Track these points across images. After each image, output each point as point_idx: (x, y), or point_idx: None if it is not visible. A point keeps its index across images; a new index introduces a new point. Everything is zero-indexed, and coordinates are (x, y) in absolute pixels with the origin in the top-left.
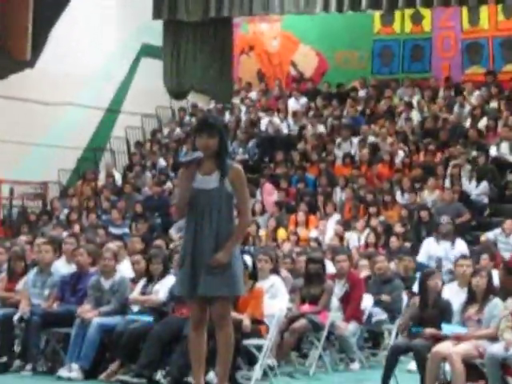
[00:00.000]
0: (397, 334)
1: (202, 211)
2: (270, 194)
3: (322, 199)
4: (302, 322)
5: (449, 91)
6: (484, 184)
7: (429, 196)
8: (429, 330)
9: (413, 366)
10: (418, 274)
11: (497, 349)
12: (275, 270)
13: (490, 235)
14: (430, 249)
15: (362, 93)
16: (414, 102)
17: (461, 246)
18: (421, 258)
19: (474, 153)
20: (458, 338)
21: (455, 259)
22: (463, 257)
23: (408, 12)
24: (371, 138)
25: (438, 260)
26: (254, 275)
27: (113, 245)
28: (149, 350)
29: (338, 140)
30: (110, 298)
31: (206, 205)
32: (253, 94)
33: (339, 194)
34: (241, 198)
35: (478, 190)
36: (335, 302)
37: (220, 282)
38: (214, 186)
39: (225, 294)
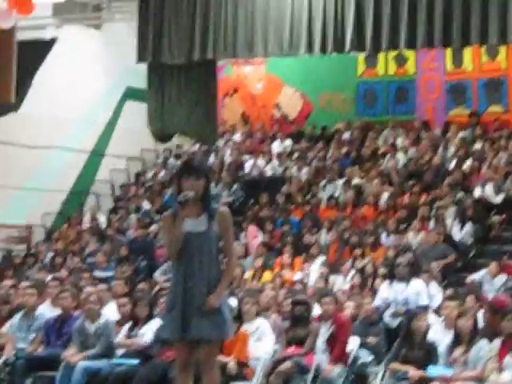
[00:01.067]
0: (383, 377)
1: (191, 254)
2: (254, 237)
3: (306, 241)
4: (288, 364)
5: (433, 133)
6: (469, 225)
7: (414, 238)
8: (413, 372)
9: None
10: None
11: None
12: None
13: (475, 277)
14: (383, 292)
15: (346, 135)
16: (399, 143)
17: (416, 285)
18: (376, 302)
19: (460, 194)
20: (445, 380)
21: (441, 301)
22: (449, 298)
23: (392, 54)
24: (356, 180)
25: (386, 303)
26: (238, 318)
27: (95, 289)
28: None
29: (323, 182)
30: (95, 342)
31: (195, 248)
32: (237, 137)
33: (324, 237)
34: (227, 240)
35: (463, 231)
36: (321, 344)
37: (211, 326)
38: (204, 229)
39: (216, 337)
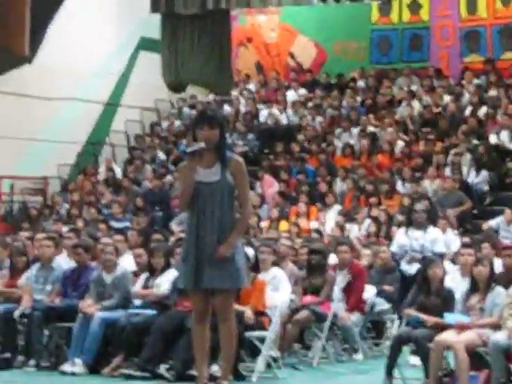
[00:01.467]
0: (399, 324)
1: (203, 204)
2: (270, 186)
3: (322, 190)
4: (305, 313)
5: (447, 80)
6: (484, 172)
7: (429, 185)
8: (430, 318)
9: (413, 360)
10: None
11: (500, 337)
12: (277, 263)
13: (492, 223)
14: (400, 239)
15: (360, 83)
16: (413, 91)
17: (433, 232)
18: (393, 248)
19: (475, 141)
20: (461, 327)
21: (458, 248)
22: (465, 246)
23: (406, 1)
24: (371, 128)
25: (402, 249)
26: (255, 267)
27: (111, 240)
28: (152, 344)
29: (338, 131)
30: (111, 293)
31: (207, 198)
32: (251, 86)
33: (339, 185)
34: (242, 190)
35: (478, 178)
36: (337, 292)
37: (223, 275)
38: (216, 179)
39: (228, 286)
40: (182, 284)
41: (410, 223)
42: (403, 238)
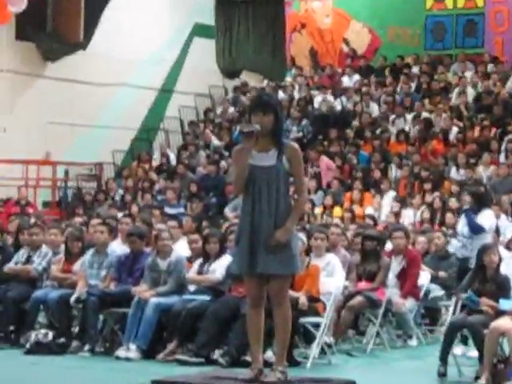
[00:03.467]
0: (454, 311)
1: (259, 188)
2: (328, 169)
3: (377, 176)
4: (359, 299)
5: (502, 66)
6: None
7: (484, 171)
8: (485, 300)
9: (459, 350)
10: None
11: None
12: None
13: None
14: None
15: (415, 69)
16: (468, 77)
17: (485, 213)
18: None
19: None
20: None
21: None
22: None
23: None
24: (425, 114)
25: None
26: (307, 253)
27: (166, 225)
28: (206, 330)
29: (392, 117)
30: (166, 278)
31: (263, 182)
32: (305, 72)
33: (394, 171)
34: (298, 175)
35: None
36: (392, 278)
37: (278, 261)
38: (272, 164)
39: (283, 272)
40: (236, 269)
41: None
42: (460, 223)
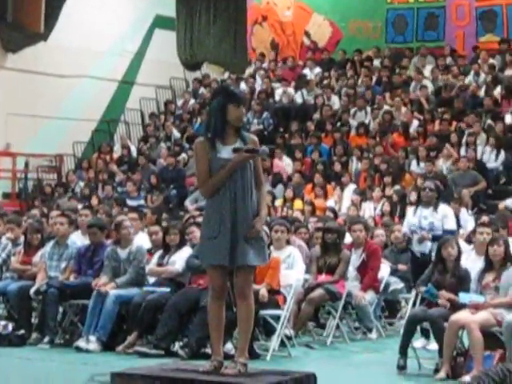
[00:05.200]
0: (414, 304)
1: (235, 180)
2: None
3: (337, 169)
4: (319, 291)
5: (463, 59)
6: (499, 152)
7: (444, 164)
8: (445, 294)
9: (419, 343)
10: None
11: None
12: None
13: (507, 203)
14: (410, 218)
15: (376, 62)
16: (428, 70)
17: (443, 210)
18: (404, 228)
19: (490, 121)
20: (476, 307)
21: (475, 227)
22: (483, 224)
23: None
24: (386, 108)
25: (412, 228)
26: (269, 245)
27: (126, 217)
28: (166, 321)
29: (353, 110)
30: (126, 268)
31: (237, 175)
32: (266, 65)
33: (354, 164)
34: (259, 167)
35: (493, 158)
36: (352, 271)
37: (254, 252)
38: (247, 148)
39: (259, 262)
40: (214, 261)
41: (419, 202)
42: (412, 217)
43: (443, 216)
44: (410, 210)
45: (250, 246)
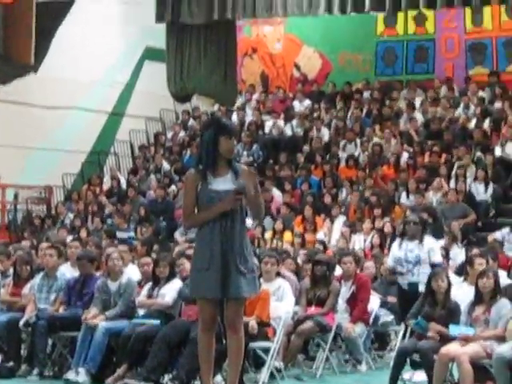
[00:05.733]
0: (404, 336)
1: (224, 213)
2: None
3: (327, 201)
4: (309, 324)
5: (452, 92)
6: (489, 185)
7: (434, 196)
8: (434, 326)
9: (408, 375)
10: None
11: (504, 349)
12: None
13: (497, 235)
14: (395, 252)
15: (366, 94)
16: (417, 103)
17: (430, 243)
18: (389, 262)
19: (480, 153)
20: (466, 339)
21: (470, 258)
22: (479, 255)
23: (411, 13)
24: (376, 140)
25: (398, 261)
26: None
27: (115, 249)
28: (156, 353)
29: (343, 142)
30: (117, 300)
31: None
32: (256, 97)
33: (344, 196)
34: (258, 195)
35: (482, 191)
36: (342, 303)
37: (247, 283)
38: (232, 187)
39: (250, 294)
40: (206, 293)
41: (404, 235)
42: (398, 250)
43: (429, 249)
44: (394, 243)
45: (242, 278)
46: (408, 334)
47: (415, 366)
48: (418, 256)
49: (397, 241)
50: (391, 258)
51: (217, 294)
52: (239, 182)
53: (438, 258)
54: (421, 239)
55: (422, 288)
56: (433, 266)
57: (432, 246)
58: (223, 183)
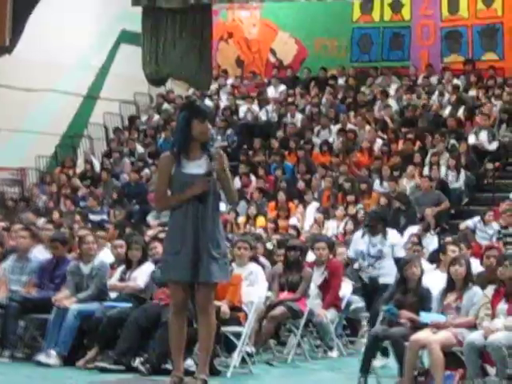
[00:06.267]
0: (370, 323)
1: (198, 196)
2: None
3: (301, 187)
4: (281, 309)
5: (428, 80)
6: (462, 172)
7: (407, 184)
8: (405, 313)
9: (378, 362)
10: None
11: (475, 337)
12: (254, 258)
13: (469, 223)
14: (357, 243)
15: (341, 81)
16: (392, 90)
17: (394, 238)
18: (350, 253)
19: (453, 141)
20: (437, 326)
21: (443, 245)
22: (451, 243)
23: (387, 0)
24: (350, 126)
25: (360, 254)
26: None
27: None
28: (127, 337)
29: (317, 128)
30: (89, 283)
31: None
32: (231, 81)
33: (318, 182)
34: (229, 178)
35: (456, 178)
36: (314, 289)
37: (217, 269)
38: (206, 171)
39: (221, 279)
40: (176, 276)
41: (367, 226)
42: (360, 242)
43: (392, 244)
44: (356, 234)
45: (213, 263)
46: (379, 321)
47: (386, 352)
48: (381, 251)
49: (360, 231)
50: (352, 250)
51: (187, 278)
52: (210, 165)
53: (401, 253)
54: (384, 234)
55: (382, 281)
56: (395, 260)
57: (395, 242)
58: (197, 167)
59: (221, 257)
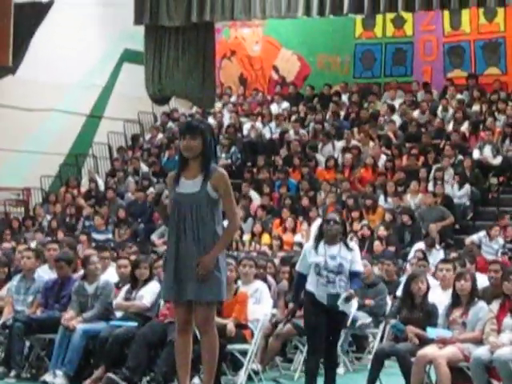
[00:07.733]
0: (381, 338)
1: (184, 216)
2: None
3: (305, 204)
4: (287, 326)
5: (430, 95)
6: (467, 187)
7: (412, 199)
8: (411, 329)
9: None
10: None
11: (482, 352)
12: (262, 277)
13: (474, 238)
14: (311, 256)
15: (344, 97)
16: (396, 105)
17: (354, 251)
18: (298, 267)
19: (458, 156)
20: (443, 342)
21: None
22: (443, 261)
23: (390, 16)
24: (354, 143)
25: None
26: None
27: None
28: (136, 353)
29: (321, 144)
30: (93, 303)
31: (187, 209)
32: (234, 99)
33: (322, 199)
34: (226, 202)
35: (461, 193)
36: None
37: (205, 287)
38: (196, 190)
39: (211, 298)
40: (163, 296)
41: (321, 237)
42: (315, 255)
43: (352, 257)
44: (307, 245)
45: (200, 282)
46: (386, 337)
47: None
48: (341, 265)
49: (310, 243)
50: (301, 264)
51: (169, 297)
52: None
53: (359, 267)
54: (346, 244)
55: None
56: (353, 274)
57: (355, 254)
58: (191, 186)
59: (209, 276)
